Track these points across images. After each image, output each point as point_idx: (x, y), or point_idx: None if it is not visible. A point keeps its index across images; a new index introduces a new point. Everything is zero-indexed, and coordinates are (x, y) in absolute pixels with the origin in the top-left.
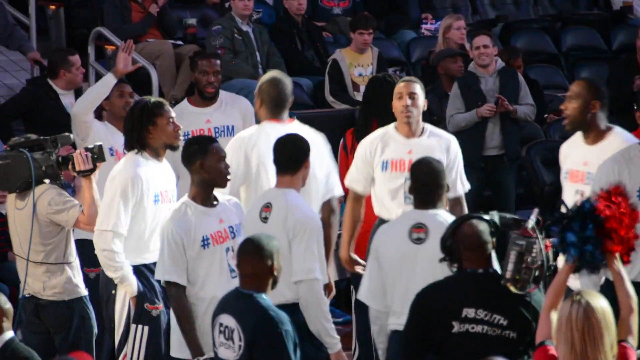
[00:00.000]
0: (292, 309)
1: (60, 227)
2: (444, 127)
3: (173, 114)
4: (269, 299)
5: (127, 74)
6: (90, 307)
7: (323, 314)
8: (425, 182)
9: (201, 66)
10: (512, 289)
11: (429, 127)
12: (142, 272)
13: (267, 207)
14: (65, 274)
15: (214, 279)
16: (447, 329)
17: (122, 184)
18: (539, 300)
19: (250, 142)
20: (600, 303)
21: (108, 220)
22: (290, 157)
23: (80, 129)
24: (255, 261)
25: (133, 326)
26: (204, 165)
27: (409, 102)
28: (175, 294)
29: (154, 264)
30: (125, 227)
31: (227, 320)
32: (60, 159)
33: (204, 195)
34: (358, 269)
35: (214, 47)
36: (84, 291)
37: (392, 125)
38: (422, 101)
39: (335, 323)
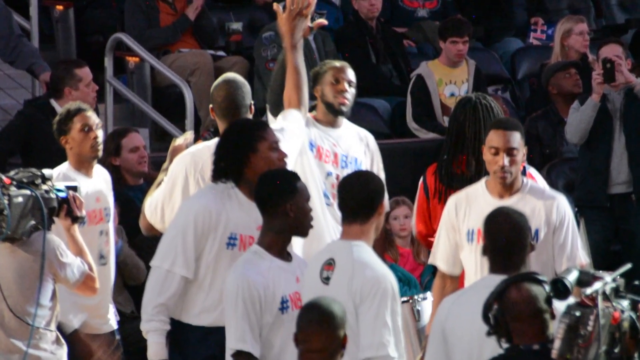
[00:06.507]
0: None
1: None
2: (559, 163)
3: (277, 138)
4: None
5: (154, 92)
6: None
7: None
8: (505, 241)
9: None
10: None
11: (528, 183)
12: (184, 332)
13: (330, 264)
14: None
15: (292, 352)
16: None
17: (185, 216)
18: None
19: (195, 159)
20: None
21: (164, 257)
22: (360, 201)
23: None
24: (326, 334)
25: None
26: (293, 207)
27: (506, 162)
28: None
29: (207, 330)
30: (185, 267)
31: None
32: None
33: (281, 245)
34: None
35: (265, 59)
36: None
37: (483, 181)
38: (522, 153)
39: None
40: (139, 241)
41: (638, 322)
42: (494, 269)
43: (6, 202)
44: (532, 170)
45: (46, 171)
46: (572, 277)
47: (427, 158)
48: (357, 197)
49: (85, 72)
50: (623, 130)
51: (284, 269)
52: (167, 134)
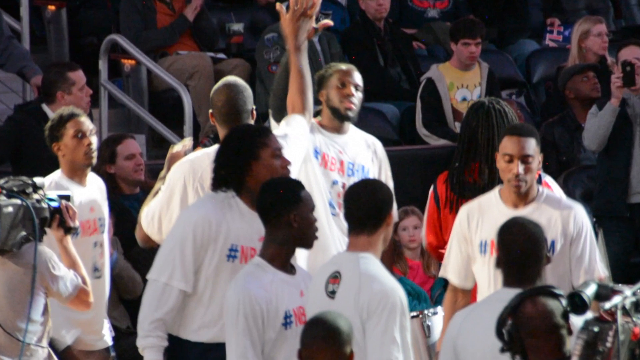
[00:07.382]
0: None
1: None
2: (577, 171)
3: (280, 145)
4: None
5: (151, 97)
6: None
7: None
8: (519, 252)
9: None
10: None
11: (544, 192)
12: (182, 349)
13: (335, 277)
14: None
15: None
16: None
17: (184, 226)
18: None
19: (194, 167)
20: None
21: (161, 270)
22: (367, 211)
23: None
24: (331, 350)
25: None
26: (297, 217)
27: (521, 169)
28: None
29: (206, 346)
30: (184, 280)
31: None
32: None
33: (284, 258)
34: None
35: (267, 62)
36: None
37: (497, 190)
38: (538, 161)
39: None
40: (135, 253)
41: None
42: (508, 282)
43: None
44: (548, 179)
45: (38, 179)
46: (590, 291)
47: (437, 166)
48: (364, 206)
49: (78, 76)
50: None
51: (288, 282)
52: (164, 141)
